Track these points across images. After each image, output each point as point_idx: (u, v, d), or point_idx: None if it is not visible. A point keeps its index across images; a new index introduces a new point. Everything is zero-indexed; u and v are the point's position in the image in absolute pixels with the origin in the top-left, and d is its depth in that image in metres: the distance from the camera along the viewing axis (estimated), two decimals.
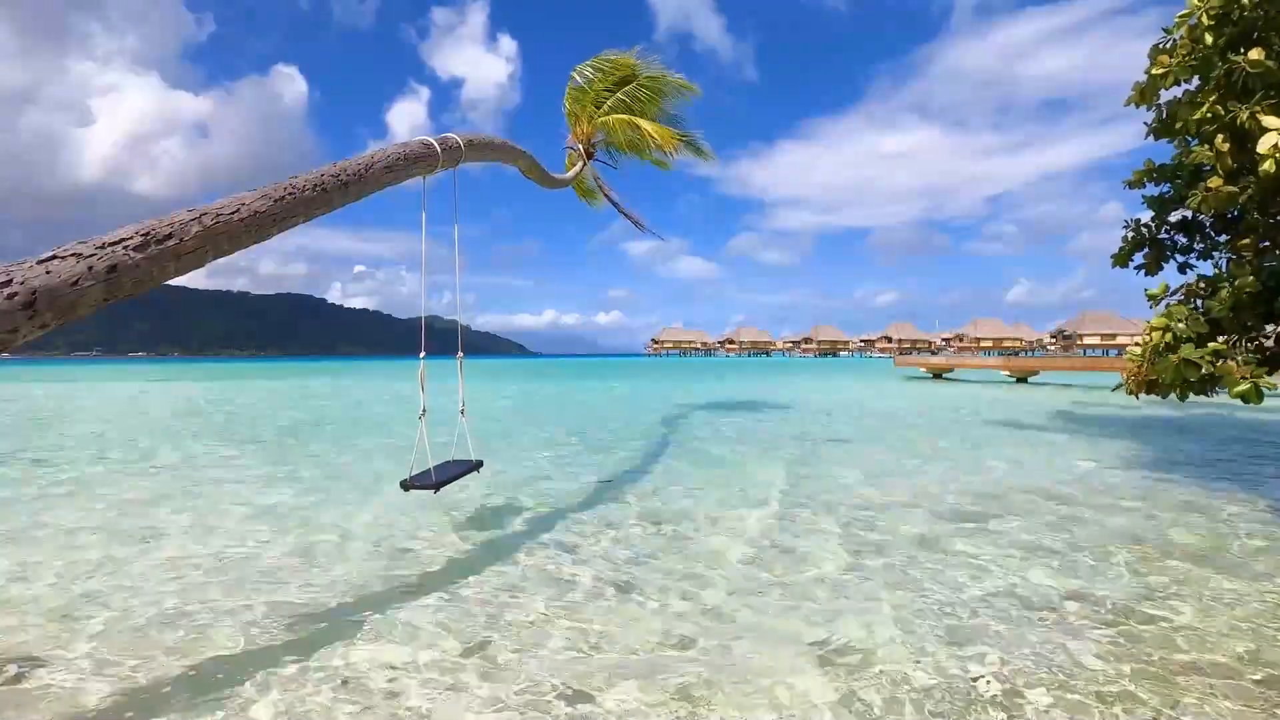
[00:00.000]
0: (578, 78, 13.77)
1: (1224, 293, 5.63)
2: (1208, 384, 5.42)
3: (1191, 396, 5.76)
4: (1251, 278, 5.45)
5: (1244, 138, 5.34)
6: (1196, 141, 6.22)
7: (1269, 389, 4.95)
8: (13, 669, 3.47)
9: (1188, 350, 5.23)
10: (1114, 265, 7.59)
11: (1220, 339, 5.69)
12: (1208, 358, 5.15)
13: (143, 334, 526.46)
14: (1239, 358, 5.08)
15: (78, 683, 3.35)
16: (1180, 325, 5.50)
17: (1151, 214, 7.33)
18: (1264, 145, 4.62)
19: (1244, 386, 4.81)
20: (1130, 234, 7.42)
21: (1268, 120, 4.78)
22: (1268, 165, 4.53)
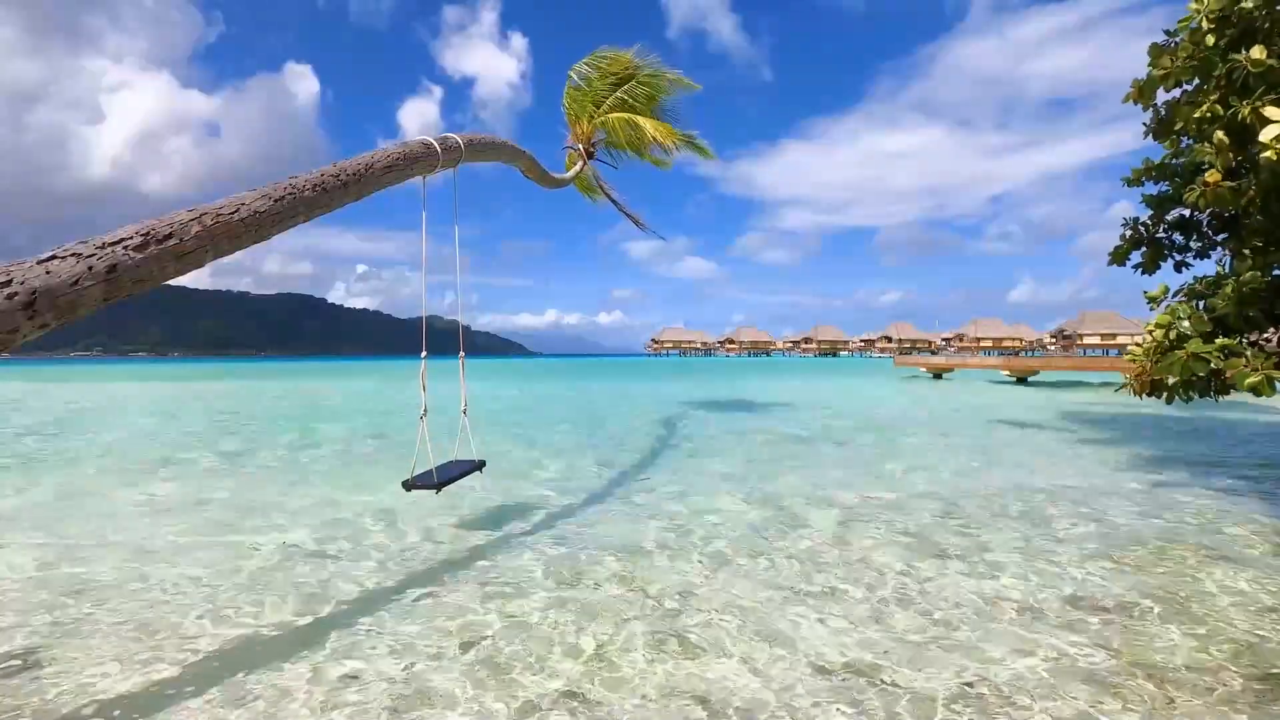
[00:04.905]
0: (575, 76, 13.73)
1: (1228, 288, 5.61)
2: (1214, 381, 5.38)
3: (1195, 397, 5.73)
4: (1258, 273, 5.43)
5: (1244, 135, 5.31)
6: (1192, 142, 6.20)
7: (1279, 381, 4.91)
8: None
9: (1195, 345, 5.19)
10: (1110, 263, 7.58)
11: (1224, 337, 5.66)
12: (1216, 353, 5.12)
13: (144, 334, 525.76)
14: (1248, 352, 5.05)
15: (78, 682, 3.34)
16: (1184, 323, 5.47)
17: (1149, 212, 7.32)
18: (1266, 135, 4.60)
19: (1255, 378, 4.77)
20: (1129, 232, 7.42)
21: (1269, 111, 4.75)
22: (1269, 154, 4.51)
